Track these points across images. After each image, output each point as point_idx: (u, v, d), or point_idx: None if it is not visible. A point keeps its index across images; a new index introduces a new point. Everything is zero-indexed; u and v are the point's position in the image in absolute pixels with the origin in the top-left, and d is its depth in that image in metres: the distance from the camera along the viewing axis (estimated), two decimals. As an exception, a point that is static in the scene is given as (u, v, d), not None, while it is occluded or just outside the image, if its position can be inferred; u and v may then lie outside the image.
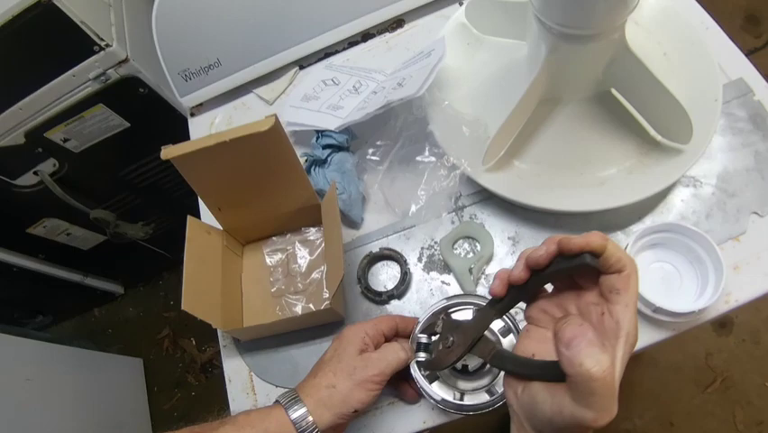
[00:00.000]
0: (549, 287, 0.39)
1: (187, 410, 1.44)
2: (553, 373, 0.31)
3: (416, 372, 0.46)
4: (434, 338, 0.47)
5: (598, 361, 0.28)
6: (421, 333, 0.48)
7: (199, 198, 0.66)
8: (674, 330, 0.50)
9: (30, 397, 1.15)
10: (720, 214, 0.55)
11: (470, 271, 0.53)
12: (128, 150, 1.11)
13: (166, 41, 0.68)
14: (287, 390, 0.44)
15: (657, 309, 0.48)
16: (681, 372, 1.17)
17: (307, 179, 0.55)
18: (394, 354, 0.45)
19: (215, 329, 0.56)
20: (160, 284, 1.61)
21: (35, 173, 1.09)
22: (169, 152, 0.49)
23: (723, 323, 1.18)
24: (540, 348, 0.36)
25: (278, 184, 0.54)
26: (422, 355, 0.47)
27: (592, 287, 0.34)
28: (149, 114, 1.03)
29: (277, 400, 0.43)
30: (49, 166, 1.09)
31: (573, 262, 0.33)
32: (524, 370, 0.35)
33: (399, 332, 0.49)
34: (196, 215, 0.66)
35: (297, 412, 0.41)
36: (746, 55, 0.63)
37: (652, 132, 0.54)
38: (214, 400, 1.43)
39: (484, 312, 0.40)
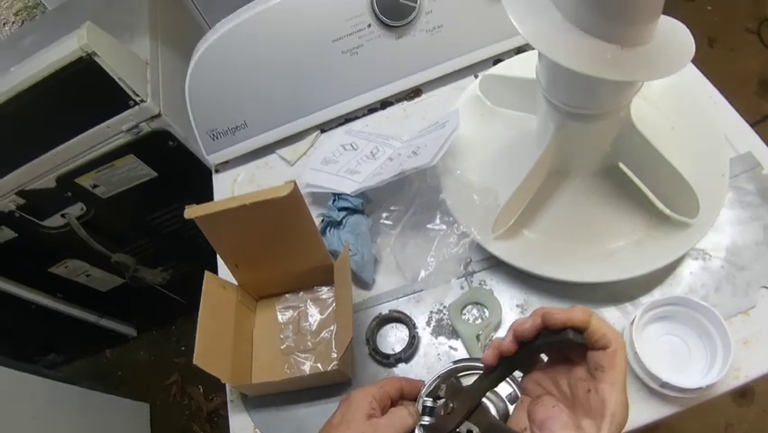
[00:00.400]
0: (545, 356, 0.39)
1: (189, 460, 1.42)
2: None
3: None
4: (439, 402, 0.46)
5: None
6: (427, 396, 0.47)
7: (217, 257, 0.69)
8: (681, 406, 0.49)
9: (35, 435, 1.15)
10: (729, 287, 0.55)
11: (478, 337, 0.53)
12: (153, 198, 1.15)
13: (197, 102, 0.72)
14: None
15: (664, 384, 0.47)
16: (700, 444, 1.13)
17: (322, 241, 0.57)
18: (401, 421, 0.44)
19: None
20: (172, 329, 1.62)
21: (62, 216, 1.14)
22: (192, 211, 0.52)
23: (743, 393, 1.14)
24: None
25: (293, 244, 0.56)
26: (426, 420, 0.46)
27: (582, 361, 0.34)
28: (176, 165, 1.08)
29: None
30: (76, 210, 1.13)
31: (557, 337, 0.34)
32: None
33: (405, 395, 0.48)
34: (214, 265, 0.69)
35: None
36: (753, 127, 0.65)
37: (660, 205, 0.55)
38: (218, 450, 1.41)
39: (480, 381, 0.40)
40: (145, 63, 1.02)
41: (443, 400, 0.43)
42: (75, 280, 1.34)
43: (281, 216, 0.52)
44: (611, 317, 0.55)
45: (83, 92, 0.93)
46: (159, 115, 0.99)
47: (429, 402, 0.47)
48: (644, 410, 0.50)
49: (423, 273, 0.55)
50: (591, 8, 0.39)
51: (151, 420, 1.48)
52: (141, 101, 0.96)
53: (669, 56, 0.42)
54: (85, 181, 1.07)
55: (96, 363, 1.64)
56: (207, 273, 0.59)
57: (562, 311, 0.33)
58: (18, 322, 1.42)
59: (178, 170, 1.10)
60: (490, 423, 0.38)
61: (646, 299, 0.55)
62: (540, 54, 0.48)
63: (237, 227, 0.53)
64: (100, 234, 1.19)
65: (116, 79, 0.91)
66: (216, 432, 1.43)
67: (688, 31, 0.44)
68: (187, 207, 0.52)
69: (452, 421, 0.40)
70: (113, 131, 0.98)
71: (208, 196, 1.18)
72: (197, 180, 1.14)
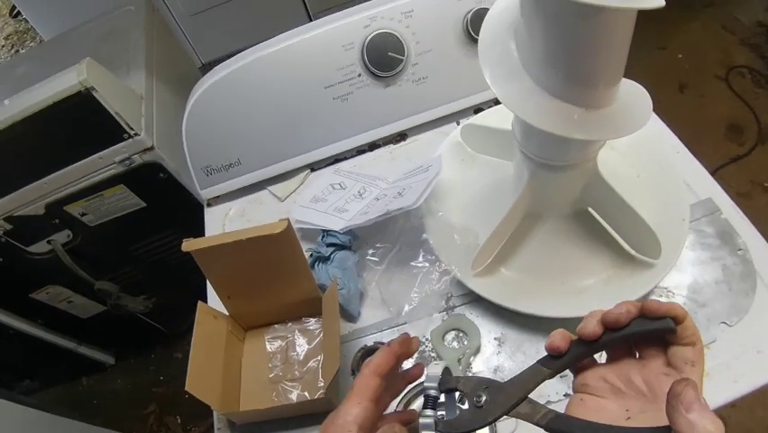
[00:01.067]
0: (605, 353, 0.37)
1: (165, 493, 1.40)
2: None
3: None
4: (455, 396, 0.40)
5: (718, 427, 0.27)
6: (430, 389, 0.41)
7: (208, 285, 0.71)
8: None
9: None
10: (690, 324, 0.60)
11: (459, 361, 0.57)
12: (140, 227, 1.17)
13: (193, 140, 0.76)
14: None
15: None
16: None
17: (311, 275, 0.60)
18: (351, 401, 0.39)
19: (202, 409, 0.58)
20: (151, 358, 1.61)
21: (48, 242, 1.15)
22: (190, 244, 0.55)
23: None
24: (598, 418, 0.33)
25: (284, 278, 0.60)
26: (429, 413, 0.39)
27: (656, 356, 0.34)
28: (165, 196, 1.10)
29: None
30: (63, 236, 1.14)
31: (655, 324, 0.33)
32: None
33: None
34: (197, 295, 0.70)
35: None
36: (721, 168, 0.70)
37: (626, 247, 0.60)
38: (194, 483, 1.39)
39: (534, 370, 0.36)
40: (140, 97, 1.05)
41: (459, 393, 0.39)
42: (56, 307, 1.33)
43: (274, 251, 0.55)
44: (581, 351, 0.59)
45: (78, 124, 0.96)
46: (151, 148, 1.02)
47: (433, 392, 0.40)
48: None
49: (407, 307, 0.59)
50: (560, 77, 0.44)
51: (127, 452, 1.46)
52: (136, 134, 0.99)
53: (630, 116, 0.47)
54: (74, 209, 1.09)
55: (71, 390, 1.61)
56: (201, 304, 0.61)
57: (664, 303, 0.34)
58: (-4, 348, 1.40)
59: (166, 201, 1.12)
60: (557, 414, 0.34)
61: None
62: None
63: (232, 261, 0.56)
64: (84, 261, 1.19)
65: (113, 113, 0.94)
66: (194, 464, 1.42)
67: (646, 92, 0.50)
68: (184, 240, 0.55)
69: (489, 414, 0.36)
70: (105, 162, 1.01)
71: (195, 227, 1.20)
72: (185, 212, 1.16)
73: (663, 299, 0.61)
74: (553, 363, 0.36)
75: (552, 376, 0.36)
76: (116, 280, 1.28)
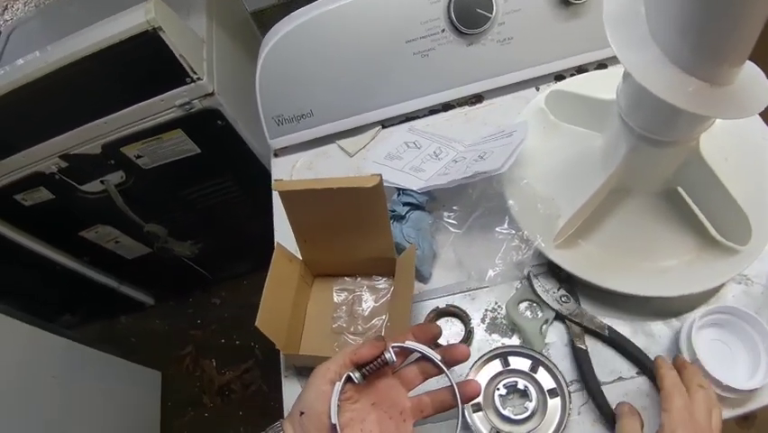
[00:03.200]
0: None
1: (197, 431, 1.45)
2: None
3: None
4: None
5: None
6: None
7: (275, 228, 0.72)
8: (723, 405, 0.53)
9: (53, 394, 1.17)
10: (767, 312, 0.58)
11: (541, 331, 0.57)
12: (193, 173, 1.18)
13: (266, 88, 0.75)
14: (275, 424, 0.43)
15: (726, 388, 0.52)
16: (700, 461, 1.17)
17: (391, 235, 0.60)
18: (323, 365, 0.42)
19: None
20: (189, 301, 1.65)
21: (102, 182, 1.16)
22: (280, 185, 0.55)
23: (746, 416, 1.18)
24: None
25: (363, 232, 0.59)
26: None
27: None
28: (221, 144, 1.10)
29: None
30: (116, 177, 1.16)
31: None
32: None
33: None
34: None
35: None
36: None
37: (712, 231, 0.58)
38: (226, 424, 1.44)
39: None
40: (202, 41, 1.04)
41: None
42: (103, 246, 1.36)
43: (361, 204, 0.55)
44: (657, 330, 0.58)
45: (142, 65, 0.95)
46: (212, 94, 1.01)
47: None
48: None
49: (491, 273, 0.58)
50: (689, 49, 0.42)
51: (162, 388, 1.51)
52: (198, 78, 0.98)
53: (751, 97, 0.45)
54: (130, 151, 1.09)
55: (110, 327, 1.67)
56: (278, 244, 0.62)
57: None
58: (40, 281, 1.44)
59: (221, 149, 1.12)
60: None
61: (690, 316, 0.58)
62: (625, 79, 0.51)
63: (316, 207, 0.56)
64: (135, 203, 1.21)
65: (177, 56, 0.93)
66: (227, 406, 1.47)
67: (764, 75, 0.48)
68: (275, 180, 0.55)
69: None
70: (165, 105, 1.01)
71: (249, 177, 1.21)
72: (239, 161, 1.17)
73: (742, 287, 0.60)
74: None
75: None
76: (165, 223, 1.30)
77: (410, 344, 0.44)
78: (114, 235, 1.34)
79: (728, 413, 0.53)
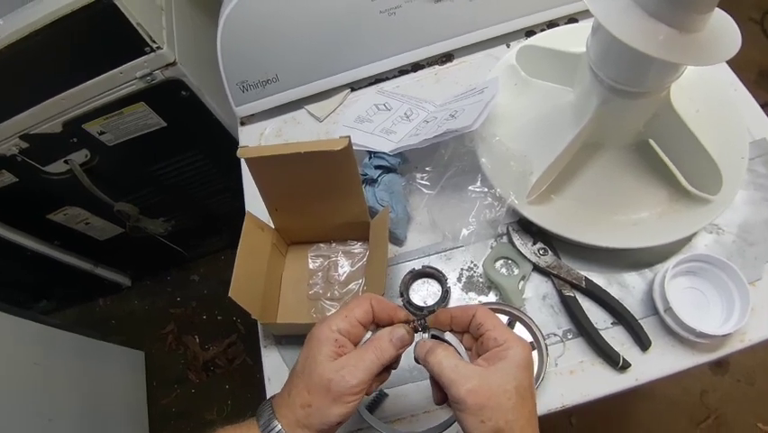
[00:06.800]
0: None
1: (185, 407, 1.45)
2: None
3: None
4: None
5: None
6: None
7: (245, 197, 0.71)
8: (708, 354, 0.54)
9: (36, 381, 1.16)
10: (739, 260, 0.60)
11: (519, 287, 0.57)
12: (160, 148, 1.14)
13: (229, 53, 0.72)
14: (266, 401, 0.41)
15: (699, 334, 0.52)
16: (676, 406, 1.22)
17: (363, 198, 0.59)
18: (379, 354, 0.39)
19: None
20: (167, 280, 1.63)
21: (66, 162, 1.12)
22: (244, 151, 0.53)
23: (719, 362, 1.23)
24: None
25: (335, 197, 0.58)
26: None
27: None
28: (187, 116, 1.07)
29: (254, 415, 0.40)
30: (81, 156, 1.11)
31: None
32: None
33: (376, 317, 0.42)
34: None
35: (274, 431, 0.38)
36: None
37: (683, 181, 0.59)
38: (213, 399, 1.44)
39: None
40: (161, 9, 0.99)
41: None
42: (73, 228, 1.32)
43: (331, 168, 0.53)
44: (632, 281, 0.59)
45: (98, 36, 0.90)
46: (174, 63, 0.97)
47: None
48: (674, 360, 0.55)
49: (464, 232, 0.58)
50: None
51: (147, 368, 1.51)
52: (158, 48, 0.93)
53: (721, 44, 0.45)
54: (92, 127, 1.05)
55: (88, 311, 1.64)
56: (248, 214, 0.60)
57: None
58: (13, 268, 1.40)
59: (188, 121, 1.09)
60: None
61: (664, 266, 0.59)
62: (596, 30, 0.50)
63: (285, 173, 0.55)
64: (103, 182, 1.17)
65: (134, 24, 0.89)
66: (213, 380, 1.47)
67: (734, 22, 0.47)
68: (240, 146, 0.53)
69: None
70: (126, 77, 0.96)
71: (217, 149, 1.18)
72: (207, 133, 1.13)
73: (713, 236, 0.61)
74: None
75: None
76: (135, 201, 1.26)
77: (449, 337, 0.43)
78: (84, 217, 1.30)
79: (703, 358, 0.55)
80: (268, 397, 0.43)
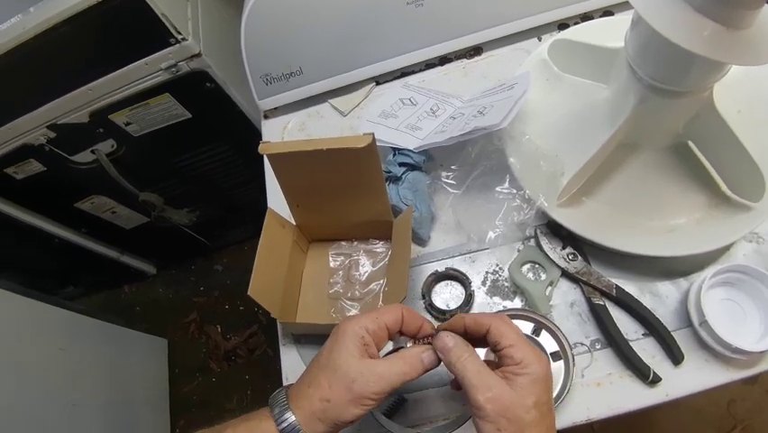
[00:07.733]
0: None
1: (206, 396, 1.47)
2: None
3: None
4: None
5: None
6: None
7: (267, 193, 0.70)
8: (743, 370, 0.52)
9: (61, 366, 1.18)
10: (779, 271, 0.56)
11: (546, 293, 0.55)
12: (185, 139, 1.14)
13: (252, 45, 0.71)
14: (280, 390, 0.41)
15: (735, 350, 0.50)
16: (702, 416, 1.18)
17: (387, 197, 0.57)
18: (408, 368, 0.39)
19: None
20: (192, 269, 1.65)
21: (92, 152, 1.13)
22: (266, 147, 0.52)
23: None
24: None
25: (358, 195, 0.57)
26: None
27: None
28: (211, 107, 1.07)
29: (268, 405, 0.40)
30: (107, 146, 1.13)
31: None
32: None
33: (404, 328, 0.42)
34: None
35: (287, 422, 0.38)
36: None
37: (723, 187, 0.56)
38: (234, 388, 1.46)
39: None
40: (186, 0, 0.98)
41: None
42: (100, 217, 1.34)
43: (353, 166, 0.52)
44: (665, 290, 0.56)
45: (123, 27, 0.91)
46: (199, 55, 0.96)
47: None
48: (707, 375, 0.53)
49: (491, 235, 0.56)
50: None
51: (169, 356, 1.53)
52: (183, 39, 0.93)
53: (767, 43, 0.42)
54: (118, 118, 1.06)
55: (113, 298, 1.68)
56: (270, 210, 0.59)
57: None
58: (40, 255, 1.43)
59: (213, 112, 1.09)
60: None
61: (699, 276, 0.56)
62: (635, 24, 0.47)
63: (307, 170, 0.54)
64: (129, 172, 1.18)
65: (159, 15, 0.89)
66: (234, 370, 1.48)
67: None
68: (262, 142, 0.52)
69: None
70: (151, 68, 0.96)
71: (242, 141, 1.18)
72: (232, 125, 1.13)
73: (753, 245, 0.58)
74: None
75: None
76: (161, 191, 1.27)
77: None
78: (110, 206, 1.32)
79: (738, 375, 0.52)
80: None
